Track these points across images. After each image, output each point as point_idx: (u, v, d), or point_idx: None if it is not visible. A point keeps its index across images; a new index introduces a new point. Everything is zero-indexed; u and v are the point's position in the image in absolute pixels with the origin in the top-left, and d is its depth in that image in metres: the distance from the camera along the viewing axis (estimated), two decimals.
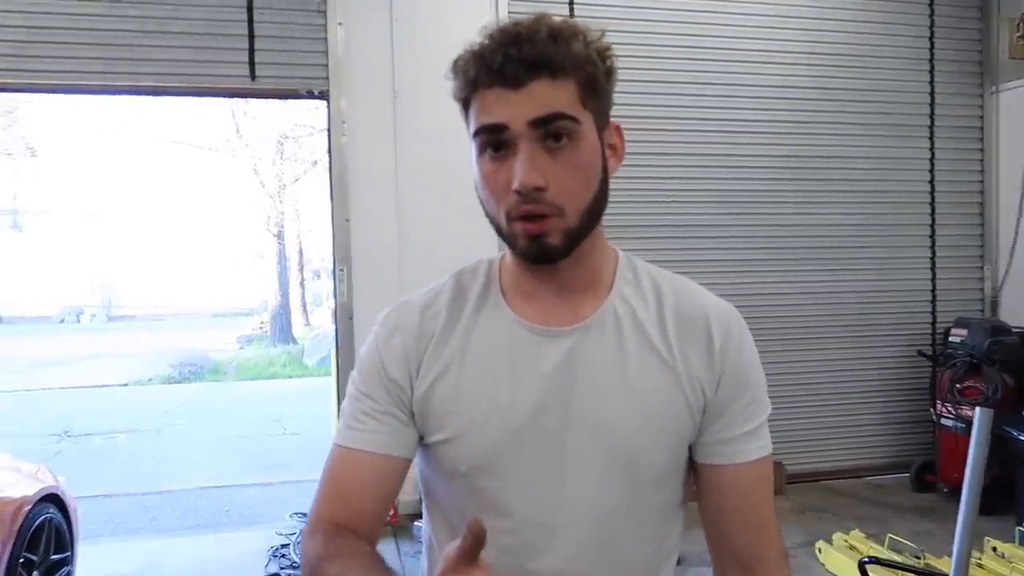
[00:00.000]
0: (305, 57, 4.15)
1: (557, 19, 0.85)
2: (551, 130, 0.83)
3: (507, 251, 0.93)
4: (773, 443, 0.95)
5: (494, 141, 0.84)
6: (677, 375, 0.90)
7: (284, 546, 3.93)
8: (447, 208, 3.99)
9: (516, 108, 0.82)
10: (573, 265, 0.90)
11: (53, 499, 3.06)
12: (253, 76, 4.11)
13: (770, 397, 0.95)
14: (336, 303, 4.28)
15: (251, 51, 4.08)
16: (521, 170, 0.82)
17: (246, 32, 4.06)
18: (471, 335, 0.93)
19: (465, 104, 0.86)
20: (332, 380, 4.77)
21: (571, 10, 4.39)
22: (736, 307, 0.96)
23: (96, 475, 5.76)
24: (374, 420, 0.92)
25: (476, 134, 0.85)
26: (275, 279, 16.51)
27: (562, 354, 0.90)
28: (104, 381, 11.62)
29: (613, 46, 0.88)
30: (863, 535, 3.56)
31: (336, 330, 4.27)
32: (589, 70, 0.84)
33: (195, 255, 23.17)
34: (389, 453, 0.91)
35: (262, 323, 17.30)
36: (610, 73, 0.88)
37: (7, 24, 3.83)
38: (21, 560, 2.77)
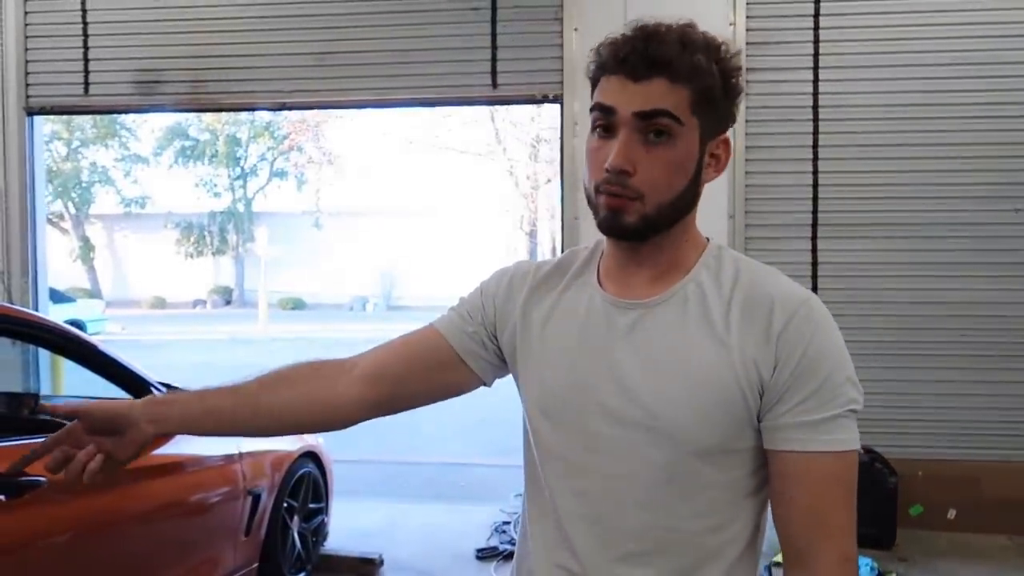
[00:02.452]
0: (541, 64, 4.37)
1: (697, 31, 0.93)
2: (652, 125, 0.91)
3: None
4: None
5: (604, 122, 0.93)
6: (730, 353, 0.92)
7: (506, 523, 4.20)
8: None
9: (629, 97, 0.91)
10: (655, 249, 0.98)
11: (312, 456, 3.58)
12: (495, 84, 4.44)
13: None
14: None
15: (493, 60, 4.40)
16: (615, 153, 0.91)
17: (489, 44, 4.40)
18: (560, 300, 1.04)
19: (594, 84, 0.97)
20: None
21: (816, 7, 4.18)
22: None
23: (355, 443, 6.53)
24: (451, 312, 1.13)
25: (591, 110, 0.95)
26: None
27: (628, 325, 0.97)
28: None
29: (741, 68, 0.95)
30: None
31: None
32: (707, 82, 0.92)
33: (459, 252, 25.03)
34: (440, 331, 1.10)
35: None
36: (731, 91, 0.96)
37: (305, 52, 4.54)
38: (285, 505, 3.30)
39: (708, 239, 1.03)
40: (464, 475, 5.75)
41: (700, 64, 0.91)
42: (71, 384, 5.03)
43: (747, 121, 4.21)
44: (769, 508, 0.97)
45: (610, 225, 0.94)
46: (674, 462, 0.93)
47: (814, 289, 4.16)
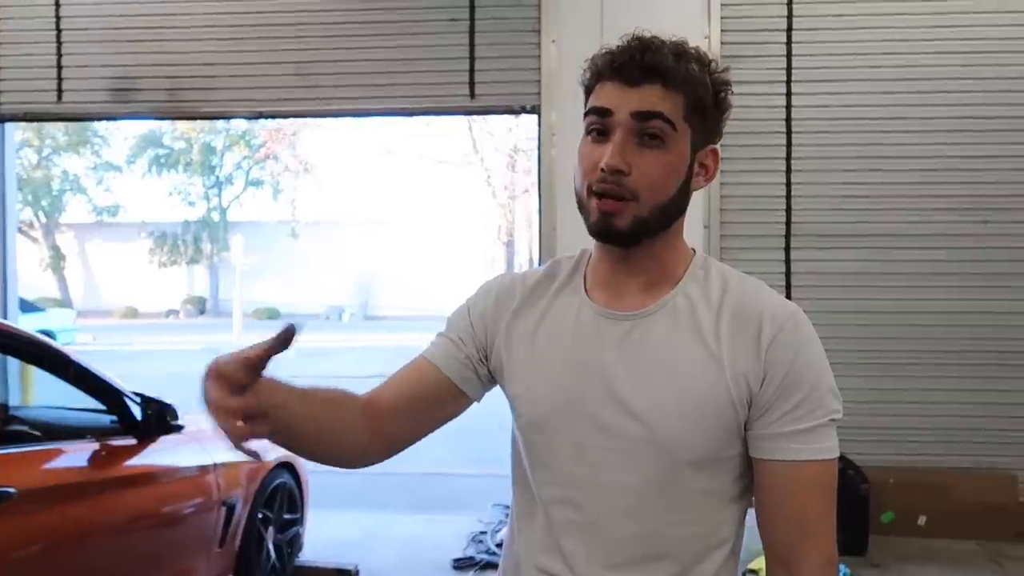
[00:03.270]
0: (519, 75, 4.40)
1: (690, 46, 0.96)
2: (647, 127, 0.93)
3: (595, 243, 1.03)
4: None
5: (599, 125, 0.95)
6: (721, 367, 0.94)
7: (483, 533, 4.20)
8: None
9: (625, 100, 0.93)
10: (644, 258, 0.99)
11: (287, 467, 3.55)
12: (472, 95, 4.46)
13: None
14: None
15: (471, 71, 4.42)
16: (610, 152, 0.93)
17: (467, 55, 4.42)
18: (548, 311, 1.05)
19: (587, 92, 0.98)
20: None
21: (789, 22, 4.25)
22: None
23: None
24: (442, 340, 1.10)
25: (587, 114, 0.97)
26: None
27: (619, 337, 0.98)
28: (355, 372, 12.94)
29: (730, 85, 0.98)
30: None
31: None
32: (699, 91, 0.95)
33: (437, 261, 25.03)
34: (438, 366, 1.07)
35: None
36: (721, 104, 0.98)
37: (283, 61, 4.53)
38: (260, 516, 3.27)
39: (693, 250, 1.04)
40: (442, 485, 5.73)
41: (694, 73, 0.94)
42: (42, 394, 4.95)
43: (723, 133, 4.26)
44: (752, 513, 1.00)
45: (602, 228, 0.95)
46: (666, 472, 0.95)
47: (788, 298, 4.21)
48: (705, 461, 0.95)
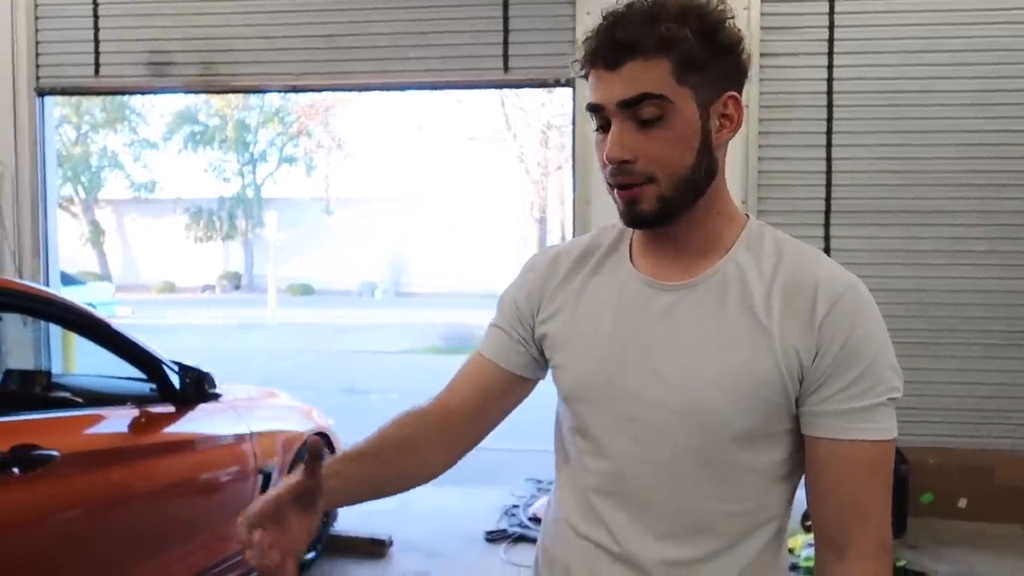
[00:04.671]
0: (554, 47, 4.34)
1: (672, 2, 0.89)
2: (639, 112, 0.89)
3: None
4: None
5: (599, 120, 0.92)
6: (771, 339, 0.90)
7: (515, 506, 4.22)
8: None
9: (609, 90, 0.90)
10: (688, 227, 0.95)
11: (323, 437, 3.59)
12: (506, 68, 4.41)
13: None
14: None
15: (505, 44, 4.37)
16: (609, 145, 0.90)
17: (501, 27, 4.37)
18: (589, 282, 1.03)
19: (586, 79, 0.95)
20: None
21: None
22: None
23: (369, 426, 6.58)
24: (498, 332, 1.10)
25: (587, 110, 0.94)
26: None
27: (664, 307, 0.95)
28: (386, 348, 13.06)
29: (728, 20, 0.90)
30: None
31: None
32: (684, 48, 0.88)
33: (469, 239, 25.04)
34: (497, 362, 1.08)
35: None
36: (720, 48, 0.90)
37: (315, 34, 4.53)
38: None
39: (748, 215, 1.00)
40: (475, 458, 5.57)
41: (671, 33, 0.87)
42: (83, 362, 5.06)
43: (761, 107, 4.18)
44: (802, 491, 0.97)
45: (631, 216, 0.93)
46: (707, 447, 0.92)
47: None
48: (751, 436, 0.92)
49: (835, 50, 4.17)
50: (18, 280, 3.90)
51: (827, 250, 4.18)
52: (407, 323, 16.82)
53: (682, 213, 0.93)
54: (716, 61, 0.90)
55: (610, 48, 0.89)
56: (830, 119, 4.19)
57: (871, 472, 0.90)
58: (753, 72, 4.18)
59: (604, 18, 0.91)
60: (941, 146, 4.12)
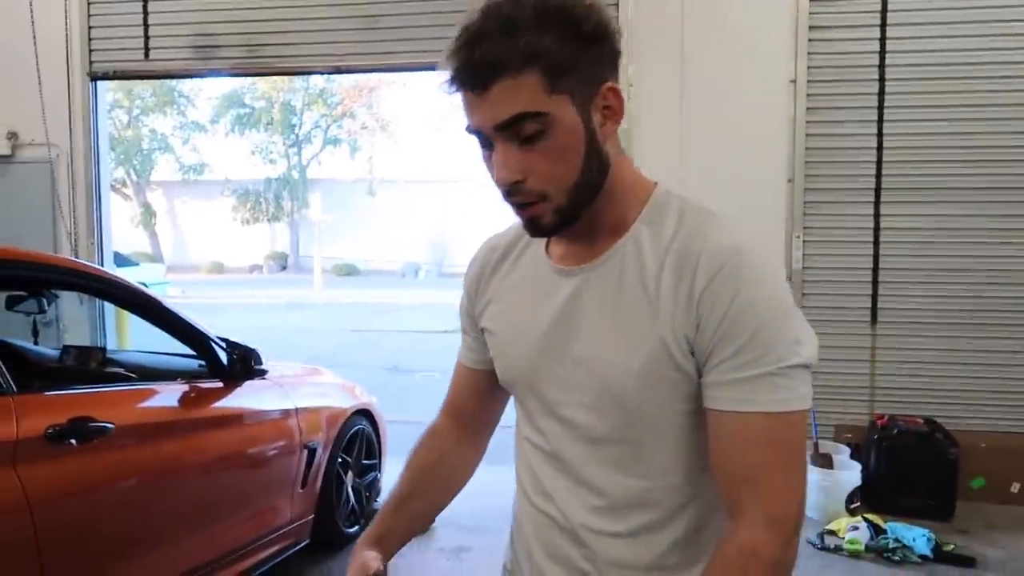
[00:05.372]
0: None
1: (524, 4, 0.83)
2: (519, 129, 0.85)
3: None
4: None
5: (482, 140, 0.90)
6: (658, 315, 0.89)
7: None
8: (730, 169, 3.94)
9: (483, 114, 0.86)
10: (592, 214, 0.93)
11: (366, 414, 3.65)
12: None
13: None
14: None
15: None
16: (496, 169, 0.89)
17: None
18: (513, 272, 1.05)
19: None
20: None
21: None
22: None
23: (412, 404, 6.65)
24: (465, 338, 1.15)
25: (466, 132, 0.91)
26: None
27: (570, 291, 0.96)
28: (429, 327, 13.16)
29: (589, 5, 0.85)
30: None
31: None
32: (550, 55, 0.83)
33: (511, 219, 24.98)
34: (472, 366, 1.14)
35: None
36: (589, 40, 0.85)
37: (357, 15, 4.57)
38: (339, 460, 3.38)
39: (655, 183, 0.96)
40: (511, 438, 5.77)
41: (534, 44, 0.82)
42: (136, 339, 5.21)
43: (808, 81, 4.08)
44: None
45: (533, 231, 0.93)
46: (626, 427, 0.93)
47: (875, 257, 4.04)
48: (658, 414, 0.91)
49: (888, 21, 4.04)
50: (75, 259, 4.03)
51: (876, 229, 4.08)
52: (450, 303, 16.91)
53: (584, 212, 0.91)
54: (587, 54, 0.85)
55: (474, 70, 0.84)
56: (881, 93, 4.07)
57: (763, 444, 0.85)
58: (801, 45, 4.11)
59: (459, 33, 0.85)
60: (996, 120, 3.98)
